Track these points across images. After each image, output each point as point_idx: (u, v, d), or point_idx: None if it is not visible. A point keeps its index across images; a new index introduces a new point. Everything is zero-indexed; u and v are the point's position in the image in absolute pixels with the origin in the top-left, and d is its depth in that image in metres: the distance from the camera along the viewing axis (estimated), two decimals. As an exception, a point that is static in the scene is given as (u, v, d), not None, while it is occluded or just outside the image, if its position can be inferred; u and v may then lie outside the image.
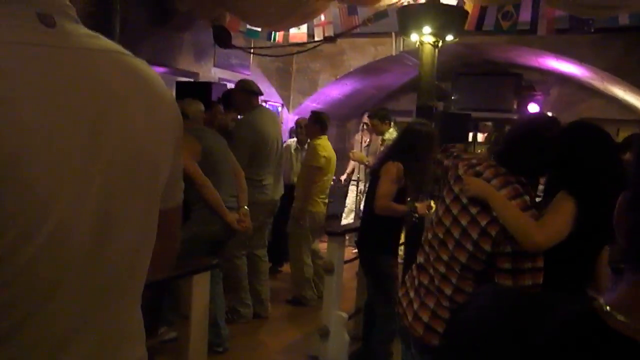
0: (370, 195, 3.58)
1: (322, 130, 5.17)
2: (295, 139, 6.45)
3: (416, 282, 2.16)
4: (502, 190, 1.93)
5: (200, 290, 2.64)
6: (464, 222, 1.99)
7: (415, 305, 2.11)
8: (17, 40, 0.70)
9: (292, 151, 6.36)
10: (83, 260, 0.76)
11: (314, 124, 5.23)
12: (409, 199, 3.61)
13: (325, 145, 5.13)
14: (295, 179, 5.98)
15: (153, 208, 0.88)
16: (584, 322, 0.57)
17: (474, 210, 1.97)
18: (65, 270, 0.74)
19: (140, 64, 0.86)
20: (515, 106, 8.08)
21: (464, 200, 2.01)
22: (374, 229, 3.57)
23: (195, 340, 2.61)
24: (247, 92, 4.58)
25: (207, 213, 3.59)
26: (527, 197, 1.93)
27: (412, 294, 2.16)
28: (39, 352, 0.74)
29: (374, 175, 3.62)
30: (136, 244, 0.85)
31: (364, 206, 3.84)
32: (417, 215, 3.58)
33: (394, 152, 3.58)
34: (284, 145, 6.47)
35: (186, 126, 3.16)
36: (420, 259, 2.20)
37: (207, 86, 5.64)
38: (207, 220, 3.60)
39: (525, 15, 5.49)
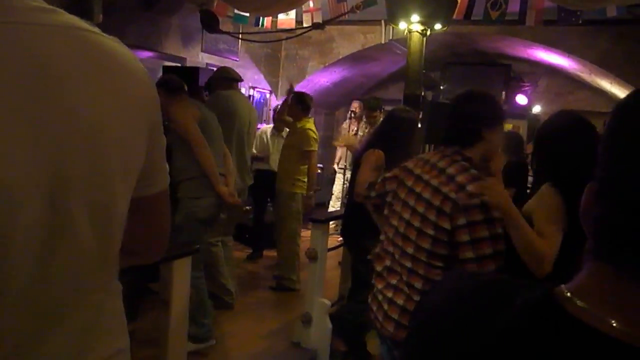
0: (353, 182, 3.59)
1: (305, 112, 5.13)
2: (270, 126, 6.41)
3: (383, 284, 2.14)
4: (459, 175, 1.95)
5: (181, 275, 2.62)
6: (421, 209, 2.00)
7: (385, 306, 2.09)
8: None
9: (268, 137, 6.32)
10: (32, 265, 0.72)
11: (296, 105, 5.16)
12: None
13: (312, 127, 5.14)
14: (274, 165, 5.95)
15: (123, 192, 0.84)
16: (542, 307, 0.57)
17: (427, 195, 1.99)
18: (11, 279, 0.71)
19: (109, 41, 0.83)
20: (503, 97, 8.10)
21: (417, 190, 2.04)
22: (358, 216, 3.57)
23: (175, 326, 2.60)
24: (227, 79, 4.57)
25: (196, 185, 3.52)
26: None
27: (380, 297, 2.13)
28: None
29: (356, 163, 3.63)
30: (101, 233, 0.80)
31: (348, 194, 3.85)
32: None
33: (375, 139, 3.60)
34: (259, 131, 6.46)
35: (182, 96, 3.07)
36: (386, 262, 2.16)
37: (194, 71, 5.61)
38: (198, 193, 3.54)
39: (514, 6, 5.48)
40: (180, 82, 3.50)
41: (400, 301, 2.04)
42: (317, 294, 3.79)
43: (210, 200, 3.59)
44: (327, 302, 3.78)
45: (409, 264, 2.03)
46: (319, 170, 8.23)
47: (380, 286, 2.16)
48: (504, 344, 0.56)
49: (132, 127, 0.84)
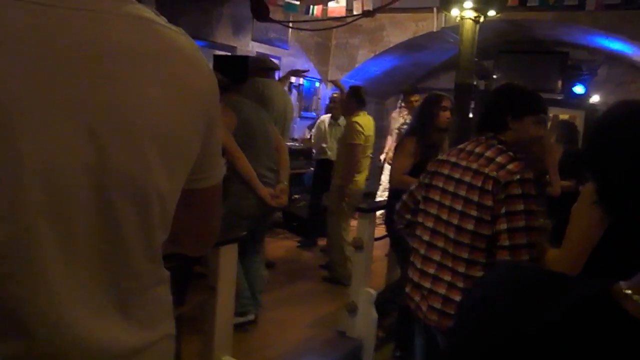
0: None
1: (359, 106, 5.03)
2: (329, 115, 6.41)
3: (423, 273, 2.18)
4: (498, 157, 2.03)
5: (227, 261, 2.66)
6: (462, 192, 2.06)
7: (427, 296, 2.13)
8: None
9: (327, 126, 6.34)
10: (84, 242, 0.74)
11: (350, 99, 5.10)
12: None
13: (364, 122, 4.97)
14: (330, 154, 6.03)
15: (172, 183, 0.84)
16: (599, 302, 0.56)
17: (468, 178, 2.06)
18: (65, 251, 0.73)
19: (174, 33, 0.83)
20: (560, 86, 7.84)
21: (456, 175, 2.11)
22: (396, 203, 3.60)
23: (222, 312, 2.64)
24: (263, 69, 4.57)
25: (243, 187, 3.59)
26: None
27: (420, 287, 2.17)
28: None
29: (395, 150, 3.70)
30: (146, 222, 0.80)
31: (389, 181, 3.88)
32: None
33: (411, 126, 3.70)
34: (319, 120, 6.48)
35: (224, 98, 3.07)
36: (421, 251, 2.21)
37: (244, 60, 5.64)
38: (242, 195, 3.60)
39: (573, -10, 5.29)
40: (224, 83, 3.51)
41: (441, 290, 2.08)
42: (363, 283, 3.77)
43: (251, 201, 3.61)
44: (373, 292, 3.76)
45: (451, 249, 2.07)
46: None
47: (417, 277, 2.20)
48: (557, 337, 0.55)
49: (189, 119, 0.83)
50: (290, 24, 6.93)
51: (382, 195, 7.31)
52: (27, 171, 0.68)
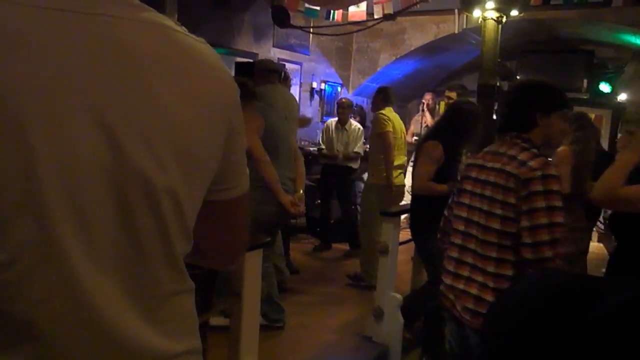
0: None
1: (385, 102, 5.12)
2: (336, 119, 6.43)
3: (456, 276, 2.20)
4: (521, 154, 2.04)
5: (252, 267, 2.66)
6: (488, 192, 2.08)
7: (459, 294, 2.16)
8: (25, 2, 0.70)
9: (333, 131, 6.35)
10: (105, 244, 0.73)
11: (377, 96, 5.23)
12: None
13: (389, 113, 5.05)
14: (337, 159, 6.10)
15: (192, 192, 0.82)
16: (637, 309, 0.55)
17: (492, 178, 2.07)
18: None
19: (194, 42, 0.83)
20: (585, 85, 7.71)
21: (482, 177, 2.12)
22: (421, 209, 3.60)
23: (248, 318, 2.64)
24: (266, 71, 4.58)
25: (263, 192, 3.59)
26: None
27: (458, 286, 2.18)
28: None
29: (416, 155, 3.68)
30: (164, 232, 0.78)
31: (412, 186, 3.85)
32: None
33: (434, 130, 3.66)
34: (325, 125, 6.50)
35: (252, 104, 3.08)
36: (454, 254, 2.24)
37: (250, 65, 5.67)
38: (263, 200, 3.61)
39: (598, -13, 5.20)
40: (250, 89, 3.54)
41: (473, 290, 2.10)
42: (389, 288, 3.75)
43: (272, 208, 3.63)
44: (399, 297, 3.73)
45: (480, 249, 2.09)
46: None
47: (450, 279, 2.23)
48: (595, 342, 0.55)
49: (207, 125, 0.82)
50: (311, 30, 6.95)
51: (406, 199, 7.26)
52: (42, 170, 0.68)
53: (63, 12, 0.71)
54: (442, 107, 6.73)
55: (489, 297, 2.04)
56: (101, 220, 0.72)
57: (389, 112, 5.10)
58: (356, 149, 6.18)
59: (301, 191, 3.87)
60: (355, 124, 6.35)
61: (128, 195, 0.73)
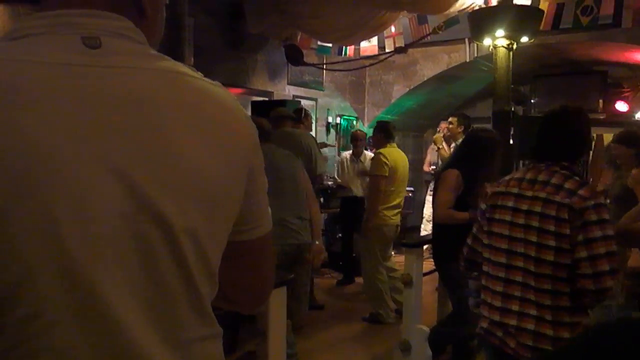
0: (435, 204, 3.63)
1: (387, 139, 5.05)
2: (350, 152, 6.54)
3: (505, 311, 2.09)
4: (566, 183, 2.00)
5: (277, 305, 2.66)
6: (535, 223, 2.01)
7: (514, 332, 2.05)
8: (41, 60, 0.72)
9: (348, 163, 6.43)
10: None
11: (377, 133, 5.17)
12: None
13: (390, 153, 4.94)
14: (355, 191, 6.16)
15: (215, 234, 0.82)
16: None
17: (538, 208, 2.01)
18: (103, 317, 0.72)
19: (211, 86, 0.84)
20: (601, 106, 7.67)
21: (524, 207, 2.05)
22: (443, 238, 3.58)
23: (274, 357, 2.63)
24: (277, 118, 4.65)
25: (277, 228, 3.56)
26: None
27: (510, 322, 2.07)
28: None
29: (435, 184, 3.69)
30: (188, 276, 0.78)
31: (432, 215, 3.84)
32: None
33: (453, 159, 3.66)
34: (340, 158, 6.56)
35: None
36: (497, 288, 2.13)
37: (281, 104, 5.77)
38: (275, 241, 3.57)
39: (607, 8, 5.22)
40: (267, 129, 3.55)
41: (530, 326, 2.01)
42: (415, 320, 3.70)
43: (284, 248, 3.51)
44: (426, 329, 3.68)
45: (532, 282, 2.02)
46: (409, 194, 8.18)
47: (497, 315, 2.12)
48: None
49: (227, 167, 0.82)
50: (324, 66, 7.05)
51: (426, 228, 7.23)
52: (64, 223, 0.68)
53: (80, 68, 0.73)
54: (437, 138, 6.58)
55: (549, 331, 1.97)
56: (126, 268, 0.73)
57: (390, 151, 4.98)
58: None
59: (317, 242, 3.76)
60: (370, 154, 6.37)
61: (150, 241, 0.74)
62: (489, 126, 4.69)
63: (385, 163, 4.83)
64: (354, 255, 6.36)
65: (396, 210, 5.03)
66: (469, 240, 2.38)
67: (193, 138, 0.78)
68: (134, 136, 0.73)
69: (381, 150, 4.97)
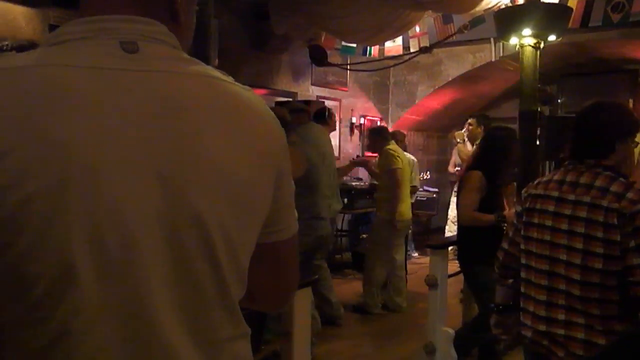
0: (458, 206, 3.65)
1: (384, 140, 5.32)
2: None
3: (550, 320, 1.99)
4: (612, 186, 1.88)
5: (302, 306, 2.66)
6: (580, 229, 1.90)
7: (563, 341, 1.94)
8: (80, 64, 0.73)
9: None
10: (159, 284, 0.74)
11: (375, 137, 5.49)
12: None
13: (395, 149, 5.26)
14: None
15: (244, 236, 0.84)
16: None
17: (583, 214, 1.90)
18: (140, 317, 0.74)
19: (241, 90, 0.86)
20: (631, 105, 7.51)
21: (567, 212, 1.94)
22: (468, 240, 3.55)
23: (299, 358, 2.63)
24: (294, 111, 4.65)
25: (304, 225, 3.63)
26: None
27: (557, 331, 1.97)
28: None
29: (459, 187, 3.71)
30: (220, 277, 0.79)
31: (457, 217, 3.82)
32: (506, 224, 3.46)
33: (473, 160, 3.66)
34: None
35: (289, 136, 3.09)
36: (540, 297, 2.03)
37: (306, 104, 5.77)
38: (300, 232, 3.65)
39: (639, 5, 5.11)
40: (286, 119, 3.60)
41: (579, 335, 1.90)
42: (440, 322, 3.67)
43: (309, 239, 3.85)
44: (451, 331, 3.65)
45: (577, 292, 1.91)
46: (434, 195, 8.12)
47: (543, 325, 2.01)
48: None
49: (258, 170, 0.84)
50: (348, 66, 7.04)
51: (450, 230, 7.16)
52: (104, 222, 0.70)
53: (119, 72, 0.75)
54: (458, 134, 6.61)
55: (601, 340, 1.87)
56: (162, 268, 0.74)
57: (396, 147, 5.30)
58: (414, 183, 6.18)
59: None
60: (410, 156, 6.31)
61: (184, 242, 0.75)
62: (514, 126, 4.61)
63: (397, 156, 5.14)
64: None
65: (408, 205, 5.32)
66: (505, 245, 2.28)
67: (224, 141, 0.80)
68: (171, 139, 0.75)
69: (389, 147, 5.22)
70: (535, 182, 2.17)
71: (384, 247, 5.23)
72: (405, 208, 5.22)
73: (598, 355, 1.57)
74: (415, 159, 6.45)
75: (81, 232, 0.69)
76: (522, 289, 2.13)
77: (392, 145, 5.28)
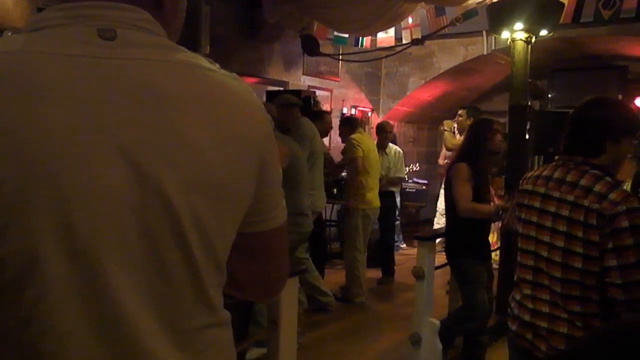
0: (448, 197, 3.60)
1: (352, 130, 5.50)
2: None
3: (535, 312, 2.01)
4: (596, 185, 1.85)
5: (289, 295, 2.67)
6: (562, 228, 1.89)
7: (545, 334, 1.95)
8: (57, 52, 0.73)
9: None
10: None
11: (343, 127, 5.71)
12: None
13: (360, 138, 5.37)
14: (384, 183, 6.08)
15: (222, 226, 0.82)
16: None
17: (566, 212, 1.89)
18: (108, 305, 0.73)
19: (226, 78, 0.84)
20: (620, 101, 7.57)
21: (551, 209, 1.94)
22: (457, 232, 3.57)
23: (285, 347, 2.64)
24: (286, 105, 4.68)
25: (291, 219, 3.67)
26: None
27: (540, 324, 1.98)
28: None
29: (446, 180, 3.68)
30: (193, 265, 0.78)
31: (446, 209, 3.81)
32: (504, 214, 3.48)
33: (458, 154, 3.71)
34: None
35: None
36: (525, 291, 2.04)
37: (296, 94, 5.76)
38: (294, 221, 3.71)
39: (630, 2, 5.12)
40: (273, 115, 3.62)
41: (562, 329, 1.91)
42: (426, 313, 3.70)
43: (293, 236, 3.84)
44: (437, 322, 3.68)
45: (558, 289, 1.91)
46: (423, 187, 8.15)
47: (528, 316, 2.02)
48: None
49: (237, 159, 0.82)
50: (340, 57, 7.02)
51: (439, 222, 7.19)
52: (75, 207, 0.70)
53: (94, 60, 0.74)
54: (447, 123, 6.68)
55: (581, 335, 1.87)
56: (131, 253, 0.74)
57: (360, 136, 5.43)
58: (399, 174, 6.27)
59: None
60: (395, 147, 6.35)
61: (156, 228, 0.75)
62: (504, 120, 4.64)
63: (358, 145, 5.26)
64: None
65: (375, 193, 5.45)
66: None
67: (203, 131, 0.78)
68: (145, 126, 0.74)
69: (353, 136, 5.38)
70: (528, 175, 2.16)
71: (356, 234, 5.34)
72: (372, 196, 5.38)
73: (573, 350, 1.58)
74: (401, 151, 6.43)
75: (49, 218, 0.69)
76: (515, 279, 2.15)
77: (357, 135, 5.39)
